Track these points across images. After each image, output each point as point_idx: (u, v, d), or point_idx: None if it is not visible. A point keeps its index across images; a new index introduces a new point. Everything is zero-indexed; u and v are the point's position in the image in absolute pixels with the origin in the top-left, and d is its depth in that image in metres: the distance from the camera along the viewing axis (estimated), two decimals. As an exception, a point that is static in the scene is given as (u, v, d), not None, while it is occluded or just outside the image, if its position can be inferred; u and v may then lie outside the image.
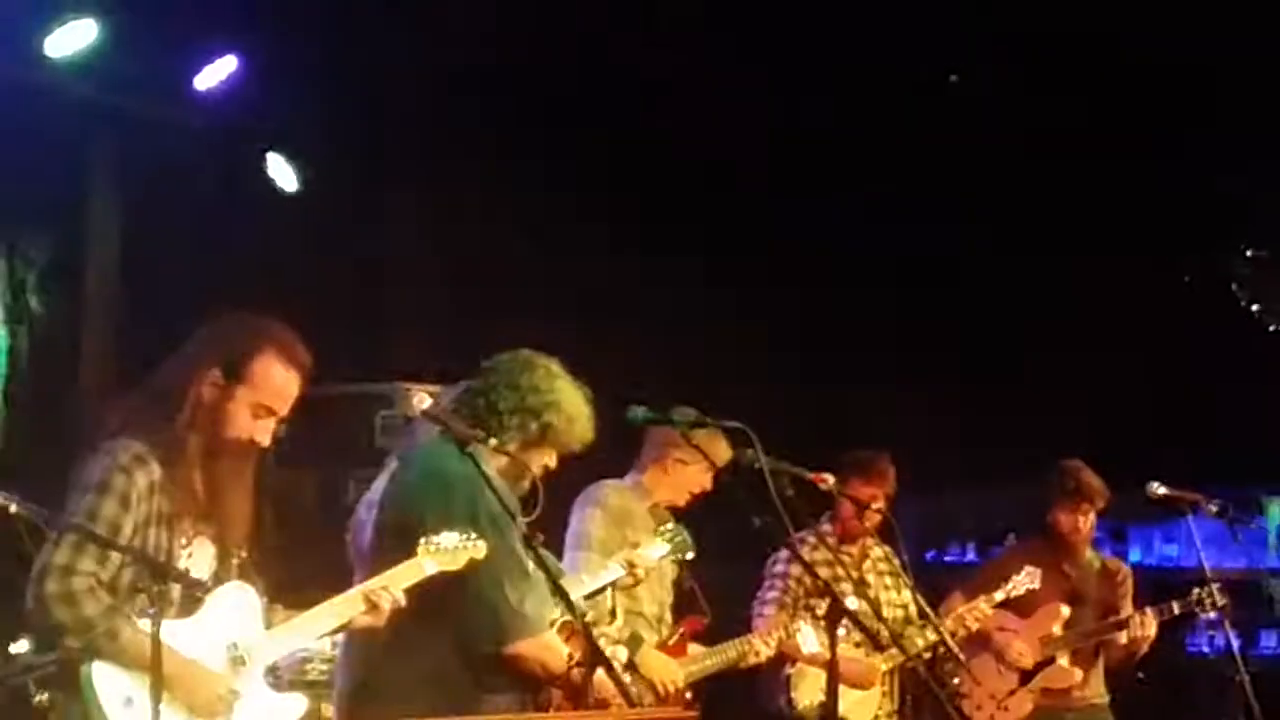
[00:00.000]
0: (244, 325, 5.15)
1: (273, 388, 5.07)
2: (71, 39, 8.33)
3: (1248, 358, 10.62)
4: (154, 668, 4.51)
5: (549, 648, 5.32)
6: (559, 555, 6.41)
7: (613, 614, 6.55)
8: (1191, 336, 10.89)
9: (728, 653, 7.33)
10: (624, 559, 6.65)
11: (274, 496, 9.18)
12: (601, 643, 5.54)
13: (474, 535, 5.25)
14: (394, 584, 5.19)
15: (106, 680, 4.85)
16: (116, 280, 9.11)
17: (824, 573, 7.11)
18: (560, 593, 5.21)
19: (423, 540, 5.22)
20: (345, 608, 5.16)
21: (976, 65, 10.33)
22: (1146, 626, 7.99)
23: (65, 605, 4.81)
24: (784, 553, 7.79)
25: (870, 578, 7.95)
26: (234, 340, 5.09)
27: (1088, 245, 11.18)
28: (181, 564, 4.93)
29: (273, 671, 5.08)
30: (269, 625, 5.10)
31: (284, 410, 5.12)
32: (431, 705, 5.12)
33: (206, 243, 8.67)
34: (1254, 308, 10.69)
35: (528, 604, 5.30)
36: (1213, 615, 7.98)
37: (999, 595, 7.91)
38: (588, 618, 5.78)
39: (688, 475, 7.22)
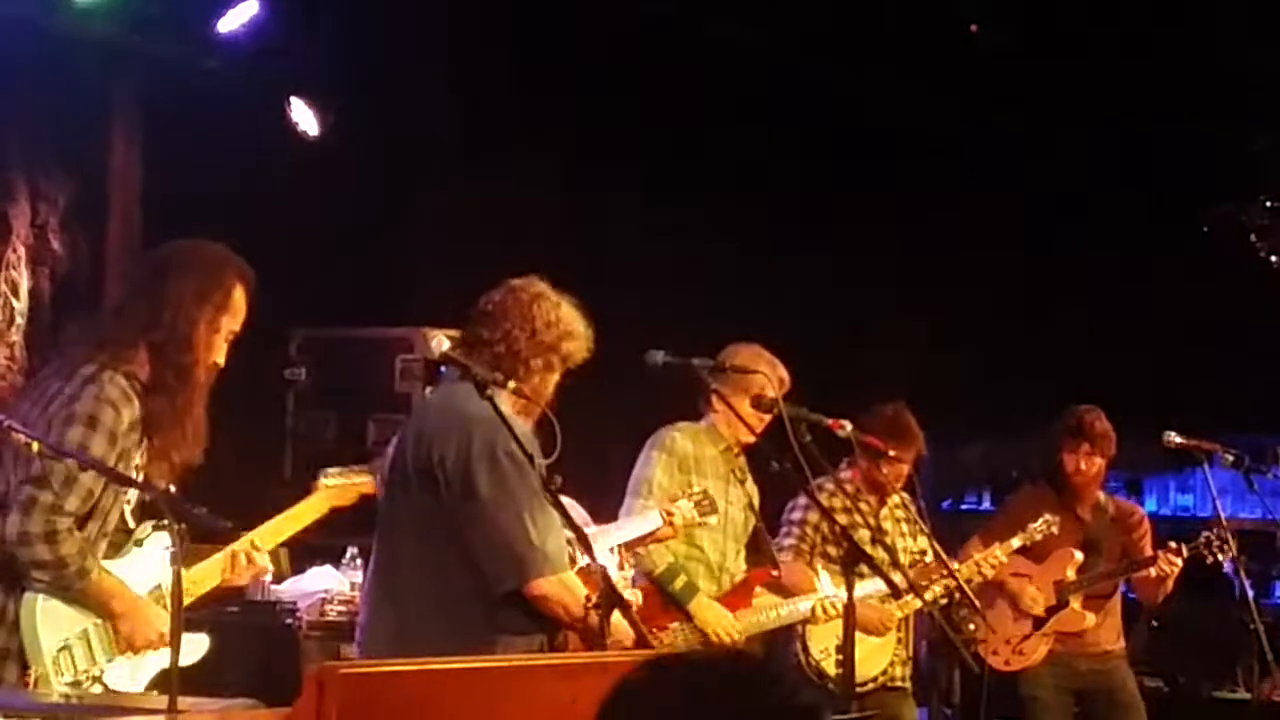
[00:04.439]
0: (217, 257, 5.29)
1: (241, 313, 5.26)
2: (94, -19, 8.32)
3: (1265, 307, 10.61)
4: (174, 607, 4.45)
5: (569, 587, 5.31)
6: (582, 500, 6.37)
7: (620, 567, 6.52)
8: (1209, 286, 10.88)
9: (781, 610, 7.25)
10: (663, 509, 6.65)
11: (295, 439, 9.29)
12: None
13: (367, 472, 5.34)
14: (294, 524, 5.35)
15: (52, 622, 4.87)
16: (138, 223, 9.12)
17: (841, 519, 7.12)
18: (579, 537, 5.23)
19: (322, 476, 5.34)
20: (211, 569, 5.23)
21: (997, 16, 10.30)
22: (1176, 561, 8.01)
23: (48, 544, 4.83)
24: (801, 499, 7.81)
25: (887, 525, 7.96)
26: (216, 275, 5.22)
27: (1104, 195, 11.17)
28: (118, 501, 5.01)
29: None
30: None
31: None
32: (451, 645, 5.15)
33: (228, 186, 8.66)
34: (1272, 257, 10.68)
35: (549, 543, 5.32)
36: (1222, 560, 8.00)
37: (1015, 542, 7.93)
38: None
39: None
